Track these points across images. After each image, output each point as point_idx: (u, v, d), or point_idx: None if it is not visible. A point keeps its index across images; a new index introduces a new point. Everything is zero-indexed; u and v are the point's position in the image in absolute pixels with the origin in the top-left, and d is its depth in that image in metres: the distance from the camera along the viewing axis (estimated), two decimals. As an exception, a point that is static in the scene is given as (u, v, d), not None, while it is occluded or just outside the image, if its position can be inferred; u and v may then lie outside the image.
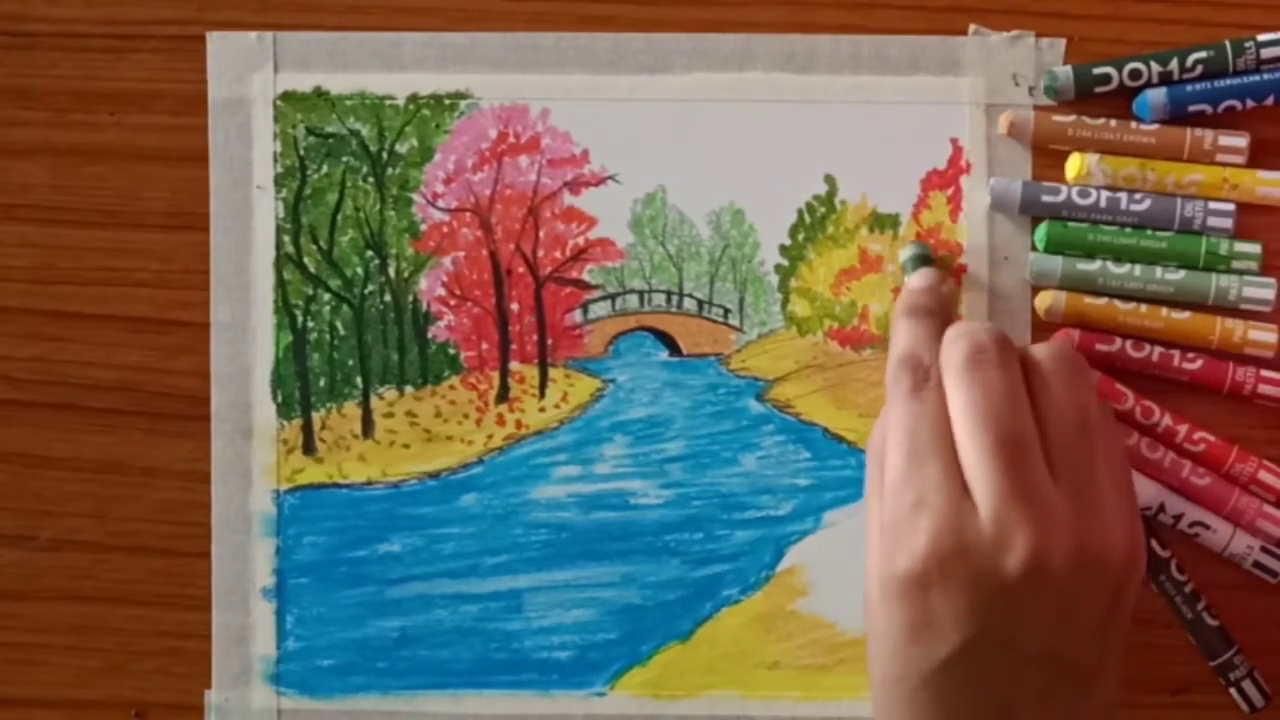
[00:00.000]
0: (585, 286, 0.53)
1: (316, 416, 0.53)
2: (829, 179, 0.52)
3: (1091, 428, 0.44)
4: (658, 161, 0.52)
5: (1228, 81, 0.51)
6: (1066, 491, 0.43)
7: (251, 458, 0.53)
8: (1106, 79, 0.51)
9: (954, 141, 0.52)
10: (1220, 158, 0.50)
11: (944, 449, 0.44)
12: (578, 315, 0.53)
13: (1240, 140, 0.50)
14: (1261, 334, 0.50)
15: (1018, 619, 0.42)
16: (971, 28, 0.52)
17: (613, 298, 0.53)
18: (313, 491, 0.53)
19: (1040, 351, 0.46)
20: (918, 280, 0.50)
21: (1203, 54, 0.51)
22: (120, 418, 0.53)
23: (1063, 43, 0.52)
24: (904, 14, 0.52)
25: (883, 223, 0.52)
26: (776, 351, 0.53)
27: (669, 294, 0.53)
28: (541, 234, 0.53)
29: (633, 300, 0.53)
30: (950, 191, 0.52)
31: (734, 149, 0.52)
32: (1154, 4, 0.52)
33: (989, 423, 0.43)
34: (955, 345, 0.45)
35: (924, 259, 0.51)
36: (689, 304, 0.53)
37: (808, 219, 0.52)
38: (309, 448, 0.53)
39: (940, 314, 0.47)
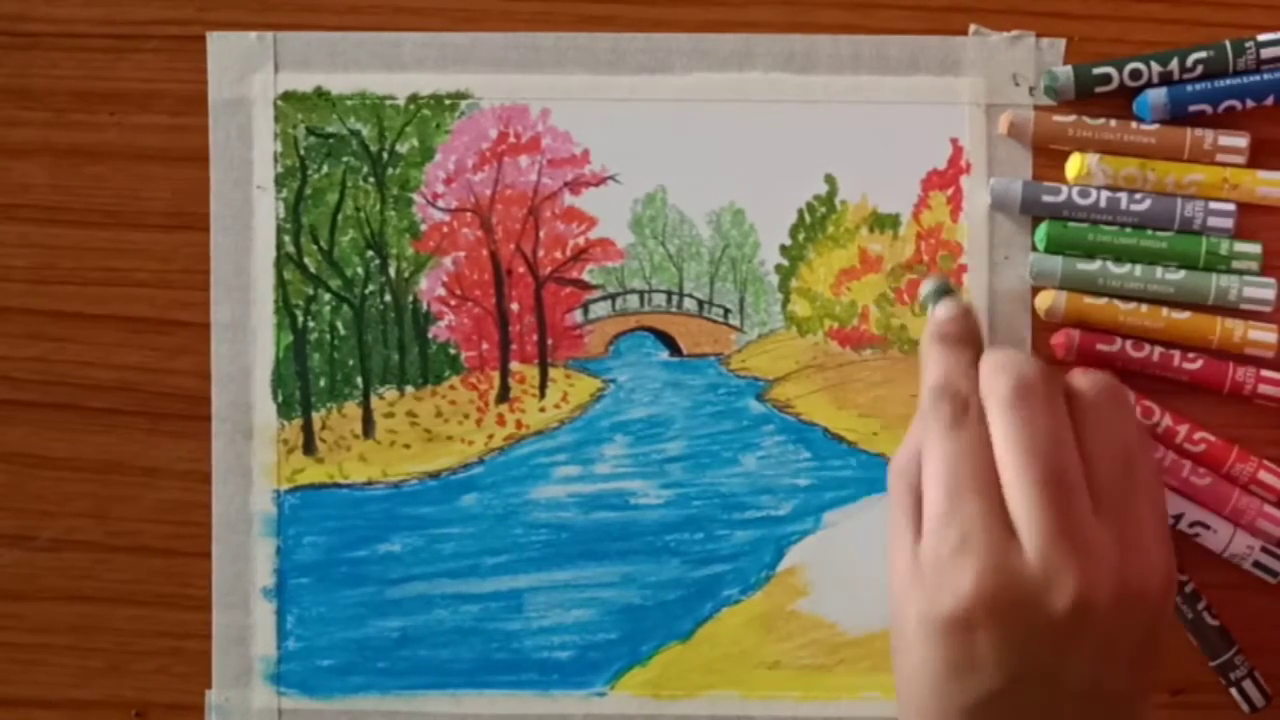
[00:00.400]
0: (585, 286, 0.53)
1: (317, 416, 0.53)
2: (829, 179, 0.52)
3: (1134, 461, 0.44)
4: (658, 161, 0.52)
5: (1228, 81, 0.51)
6: (1109, 527, 0.43)
7: (252, 458, 0.53)
8: (1107, 79, 0.51)
9: (954, 141, 0.52)
10: (1220, 158, 0.50)
11: (988, 486, 0.43)
12: (578, 315, 0.53)
13: (1240, 140, 0.50)
14: (1261, 334, 0.50)
15: (1062, 657, 0.42)
16: (972, 28, 0.52)
17: (613, 298, 0.53)
18: (313, 491, 0.53)
19: (1083, 383, 0.45)
20: (944, 311, 0.48)
21: (1203, 54, 0.51)
22: (120, 418, 0.53)
23: (1063, 43, 0.52)
24: (904, 14, 0.52)
25: (883, 223, 0.52)
26: (777, 351, 0.53)
27: (669, 294, 0.53)
28: (542, 234, 0.53)
29: (633, 300, 0.53)
30: (950, 191, 0.52)
31: (734, 149, 0.52)
32: (1154, 4, 0.52)
33: (1035, 461, 0.42)
34: (999, 378, 0.44)
35: (945, 291, 0.49)
36: (689, 304, 0.53)
37: (808, 219, 0.52)
38: (309, 448, 0.53)
39: (972, 343, 0.47)
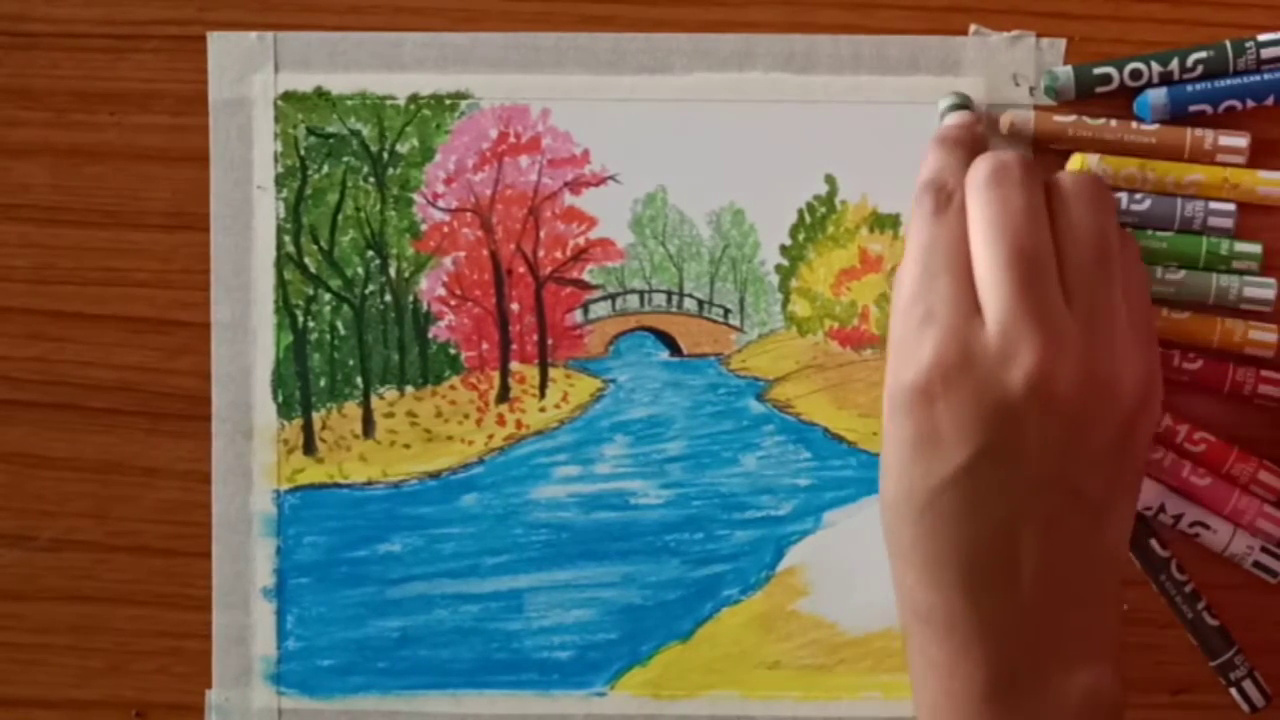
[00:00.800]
0: (586, 286, 0.53)
1: (317, 416, 0.53)
2: (829, 179, 0.52)
3: (1110, 254, 0.44)
4: (658, 161, 0.52)
5: (1228, 81, 0.50)
6: (1080, 315, 0.43)
7: (252, 458, 0.53)
8: (1107, 79, 0.51)
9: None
10: (1221, 158, 0.50)
11: (958, 266, 0.43)
12: (578, 315, 0.53)
13: (1241, 140, 0.50)
14: (1262, 334, 0.50)
15: (1022, 437, 0.42)
16: (972, 28, 0.52)
17: (613, 298, 0.53)
18: (313, 491, 0.53)
19: (1064, 176, 0.45)
20: (952, 118, 0.50)
21: (1203, 54, 0.50)
22: (121, 418, 0.53)
23: (1063, 43, 0.52)
24: (904, 14, 0.52)
25: (883, 223, 0.52)
26: (777, 351, 0.53)
27: (669, 294, 0.53)
28: (542, 234, 0.53)
29: (633, 300, 0.53)
30: (950, 191, 0.52)
31: (734, 149, 0.52)
32: (1154, 4, 0.52)
33: (1005, 237, 0.43)
34: (980, 165, 0.45)
35: (961, 107, 0.51)
36: (689, 304, 0.53)
37: (808, 219, 0.52)
38: (309, 448, 0.53)
39: (971, 147, 0.47)
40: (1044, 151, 0.51)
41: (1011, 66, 0.52)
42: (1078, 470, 0.43)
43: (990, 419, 0.42)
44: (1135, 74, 0.51)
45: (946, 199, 0.45)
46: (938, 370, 0.42)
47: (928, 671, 0.44)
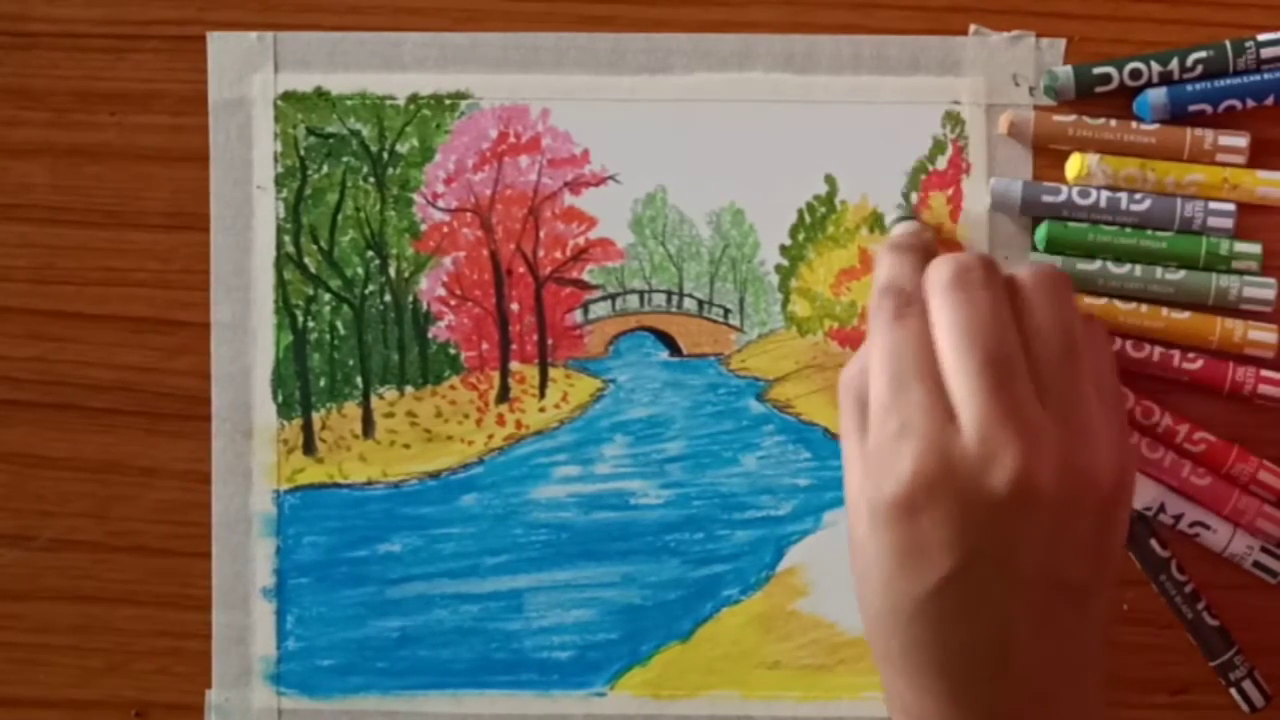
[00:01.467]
0: (585, 286, 0.53)
1: (317, 416, 0.53)
2: (829, 179, 0.52)
3: (1077, 347, 0.44)
4: (658, 161, 0.52)
5: (1228, 81, 0.51)
6: (1053, 411, 0.42)
7: (252, 458, 0.53)
8: (1107, 79, 0.51)
9: (954, 142, 0.52)
10: (1220, 157, 0.50)
11: (928, 373, 0.43)
12: (578, 315, 0.53)
13: (1240, 140, 0.50)
14: (1261, 334, 0.50)
15: (1009, 539, 0.42)
16: (972, 28, 0.52)
17: (613, 298, 0.53)
18: (313, 491, 0.53)
19: (1022, 273, 0.45)
20: (900, 227, 0.50)
21: (1203, 54, 0.51)
22: (120, 418, 0.53)
23: (1063, 43, 0.52)
24: (904, 14, 0.52)
25: (883, 223, 0.52)
26: (777, 351, 0.53)
27: (669, 294, 0.53)
28: (542, 234, 0.53)
29: (633, 300, 0.53)
30: (950, 192, 0.52)
31: (734, 149, 0.52)
32: (1154, 4, 0.52)
33: (975, 342, 0.42)
34: (940, 268, 0.44)
35: (909, 217, 0.51)
36: (689, 304, 0.53)
37: (808, 219, 0.52)
38: (309, 448, 0.53)
39: (923, 252, 0.47)
40: (1044, 151, 0.51)
41: (1011, 66, 0.52)
42: (1063, 561, 0.42)
43: (976, 525, 0.41)
44: (1135, 74, 0.51)
45: (906, 301, 0.44)
46: (919, 481, 0.42)
47: None
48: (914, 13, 0.52)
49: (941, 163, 0.52)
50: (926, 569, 0.42)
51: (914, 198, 0.52)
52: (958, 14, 0.52)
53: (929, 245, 0.48)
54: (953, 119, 0.52)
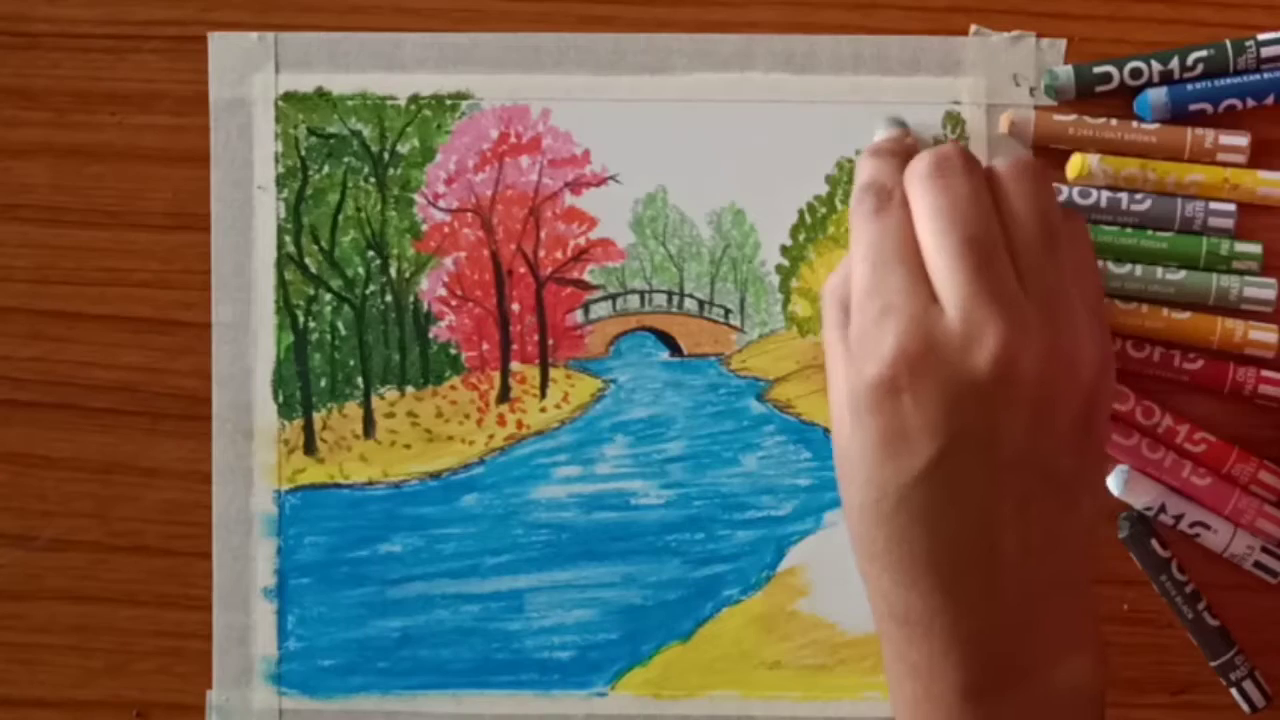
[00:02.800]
0: (586, 287, 0.53)
1: (318, 417, 0.53)
2: (830, 179, 0.52)
3: (1055, 235, 0.44)
4: (658, 162, 0.52)
5: (1228, 81, 0.51)
6: (1034, 297, 0.42)
7: (252, 458, 0.53)
8: (1107, 78, 0.51)
9: (954, 142, 0.52)
10: (1221, 157, 0.50)
11: (910, 258, 0.43)
12: (579, 315, 0.53)
13: (1241, 140, 0.50)
14: (1262, 334, 0.50)
15: (991, 421, 0.42)
16: (972, 28, 0.52)
17: (614, 298, 0.53)
18: (314, 492, 0.53)
19: (999, 163, 0.45)
20: (884, 133, 0.51)
21: (1203, 53, 0.51)
22: (121, 418, 0.53)
23: (1063, 43, 0.52)
24: (904, 14, 0.52)
25: (883, 223, 0.52)
26: (777, 352, 0.53)
27: (670, 294, 0.53)
28: (542, 234, 0.53)
29: (634, 300, 0.53)
30: (951, 192, 0.52)
31: (735, 149, 0.52)
32: (1154, 4, 0.52)
33: (955, 225, 0.43)
34: (921, 158, 0.44)
35: (898, 125, 0.51)
36: (690, 304, 0.53)
37: (808, 219, 0.52)
38: (310, 448, 0.53)
39: (904, 155, 0.47)
40: (1044, 151, 0.51)
41: (1011, 66, 0.52)
42: (1048, 450, 0.42)
43: (958, 406, 0.41)
44: (1135, 73, 0.51)
45: (887, 196, 0.44)
46: (902, 360, 0.42)
47: (906, 674, 0.43)
48: (914, 13, 0.52)
49: (942, 163, 0.52)
50: (910, 454, 0.42)
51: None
52: (958, 14, 0.52)
53: (910, 148, 0.47)
54: (953, 119, 0.52)
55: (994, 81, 0.52)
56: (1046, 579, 0.43)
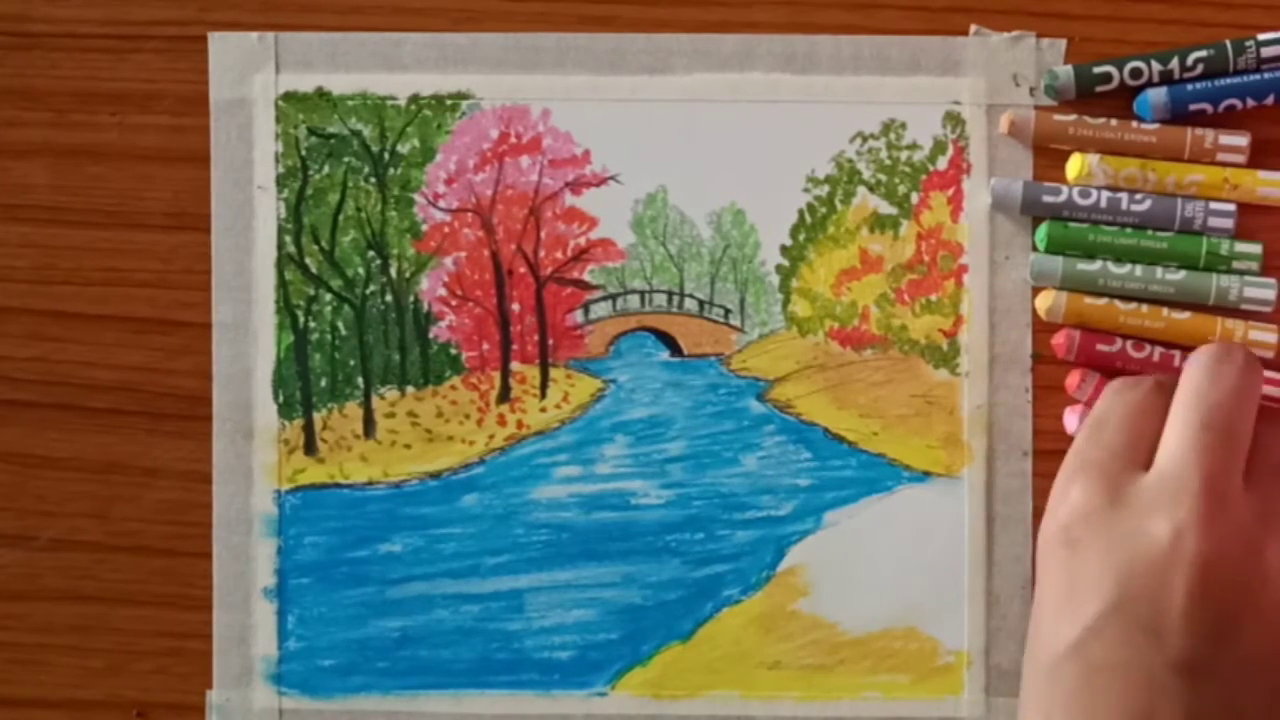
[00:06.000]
0: (586, 287, 0.53)
1: (318, 417, 0.53)
2: (830, 179, 0.52)
3: None
4: (659, 162, 0.52)
5: (1228, 81, 0.51)
6: (1256, 500, 0.39)
7: (253, 458, 0.53)
8: (1107, 78, 0.51)
9: (954, 142, 0.52)
10: (1221, 157, 0.50)
11: (1133, 424, 0.41)
12: (579, 315, 0.53)
13: (1241, 140, 0.50)
14: (1262, 334, 0.50)
15: (1163, 603, 0.38)
16: (972, 28, 0.52)
17: (614, 298, 0.53)
18: (314, 491, 0.53)
19: None
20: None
21: (1203, 53, 0.51)
22: (121, 418, 0.53)
23: (1063, 43, 0.52)
24: (904, 14, 0.52)
25: (883, 223, 0.52)
26: (777, 352, 0.53)
27: (670, 294, 0.53)
28: (543, 234, 0.53)
29: (634, 300, 0.53)
30: (951, 192, 0.52)
31: (735, 149, 0.52)
32: (1154, 4, 0.52)
33: (1205, 402, 0.40)
34: (1204, 348, 0.43)
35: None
36: (690, 304, 0.53)
37: (808, 219, 0.52)
38: (310, 448, 0.53)
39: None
40: (1044, 151, 0.51)
41: (1012, 67, 0.52)
42: (1236, 679, 0.38)
43: (1127, 570, 0.38)
44: (1135, 73, 0.51)
45: (1137, 382, 0.43)
46: (1081, 512, 0.40)
47: None
48: (914, 13, 0.52)
49: (942, 163, 0.52)
50: (1073, 611, 0.39)
51: (914, 198, 0.52)
52: (958, 14, 0.52)
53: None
54: (953, 119, 0.52)
55: (994, 81, 0.52)
56: None
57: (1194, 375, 0.42)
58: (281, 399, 0.53)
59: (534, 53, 0.52)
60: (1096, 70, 0.51)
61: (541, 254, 0.53)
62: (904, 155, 0.52)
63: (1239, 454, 0.40)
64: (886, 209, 0.52)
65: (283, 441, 0.53)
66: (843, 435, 0.53)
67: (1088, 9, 0.52)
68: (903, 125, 0.52)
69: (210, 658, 0.53)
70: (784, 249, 0.52)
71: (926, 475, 0.52)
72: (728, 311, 0.53)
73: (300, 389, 0.53)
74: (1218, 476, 0.39)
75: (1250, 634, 0.38)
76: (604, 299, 0.53)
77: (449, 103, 0.52)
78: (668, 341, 0.53)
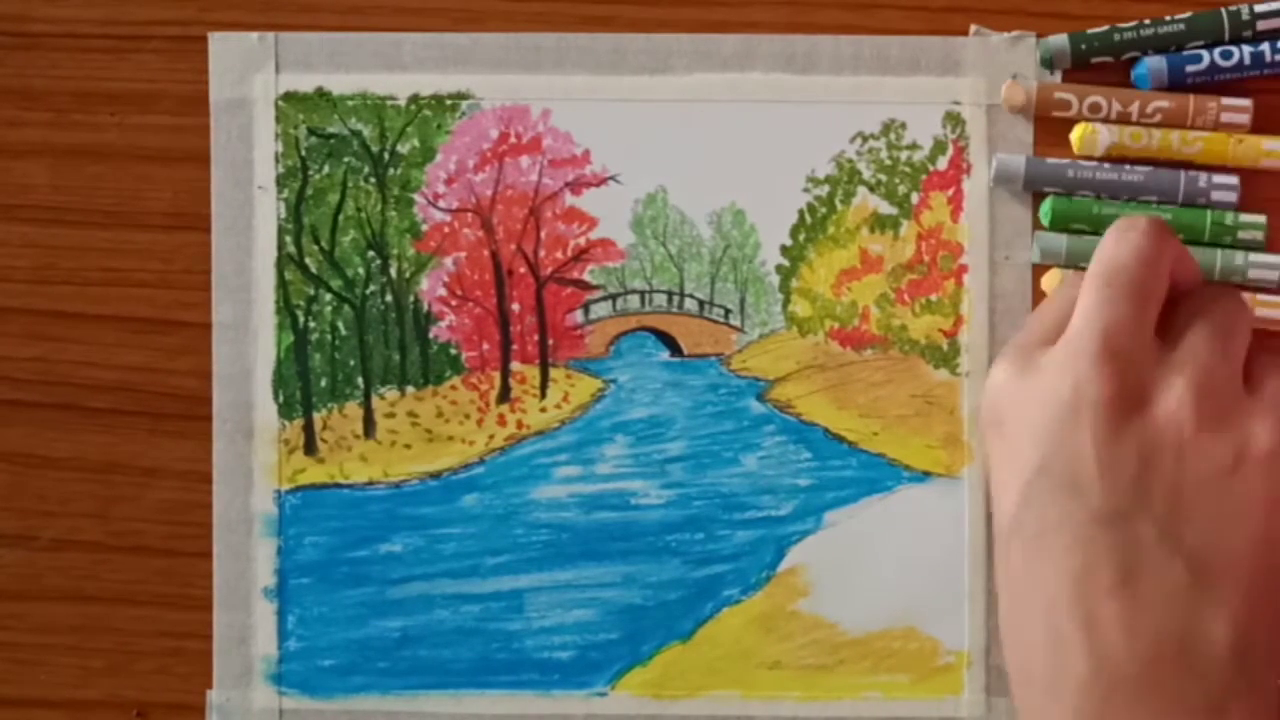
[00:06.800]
0: (586, 287, 0.53)
1: (318, 417, 0.53)
2: (830, 179, 0.52)
3: (1233, 332, 0.41)
4: (659, 162, 0.52)
5: (1226, 48, 0.50)
6: (1175, 351, 0.40)
7: (253, 458, 0.53)
8: (1104, 41, 0.50)
9: (954, 142, 0.52)
10: (1225, 118, 0.50)
11: (1054, 313, 0.42)
12: (579, 315, 0.53)
13: (1244, 103, 0.50)
14: (1269, 311, 0.50)
15: (1079, 457, 0.38)
16: (972, 28, 0.52)
17: (614, 298, 0.53)
18: (314, 491, 0.53)
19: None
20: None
21: (1201, 22, 0.50)
22: (121, 418, 0.53)
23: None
24: (904, 14, 0.52)
25: (883, 223, 0.52)
26: (777, 352, 0.53)
27: (670, 294, 0.53)
28: (543, 234, 0.53)
29: (634, 300, 0.53)
30: (951, 192, 0.52)
31: (735, 149, 0.52)
32: (1154, 4, 0.52)
33: (1103, 257, 0.41)
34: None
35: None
36: (690, 304, 0.53)
37: (808, 219, 0.52)
38: (310, 448, 0.53)
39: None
40: (1046, 121, 0.51)
41: (1012, 67, 0.52)
42: (1168, 515, 0.37)
43: (1043, 433, 0.39)
44: (1131, 41, 0.50)
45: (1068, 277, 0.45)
46: (1002, 389, 0.41)
47: None
48: (914, 13, 0.52)
49: (942, 163, 0.52)
50: (1012, 466, 0.40)
51: (914, 198, 0.52)
52: (958, 14, 0.52)
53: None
54: (953, 119, 0.52)
55: (994, 81, 0.52)
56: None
57: (1102, 244, 0.42)
58: (281, 399, 0.53)
59: (534, 53, 0.52)
60: (1091, 32, 0.51)
61: (541, 254, 0.53)
62: (904, 155, 0.52)
63: (1145, 309, 0.40)
64: (887, 209, 0.52)
65: (283, 441, 0.53)
66: (843, 435, 0.53)
67: (1088, 9, 0.52)
68: (903, 125, 0.52)
69: (210, 658, 0.53)
70: (784, 249, 0.52)
71: (927, 475, 0.52)
72: (728, 311, 0.53)
73: (300, 389, 0.53)
74: (1116, 327, 0.39)
75: (1169, 473, 0.38)
76: (604, 299, 0.53)
77: (449, 103, 0.52)
78: (668, 341, 0.53)
